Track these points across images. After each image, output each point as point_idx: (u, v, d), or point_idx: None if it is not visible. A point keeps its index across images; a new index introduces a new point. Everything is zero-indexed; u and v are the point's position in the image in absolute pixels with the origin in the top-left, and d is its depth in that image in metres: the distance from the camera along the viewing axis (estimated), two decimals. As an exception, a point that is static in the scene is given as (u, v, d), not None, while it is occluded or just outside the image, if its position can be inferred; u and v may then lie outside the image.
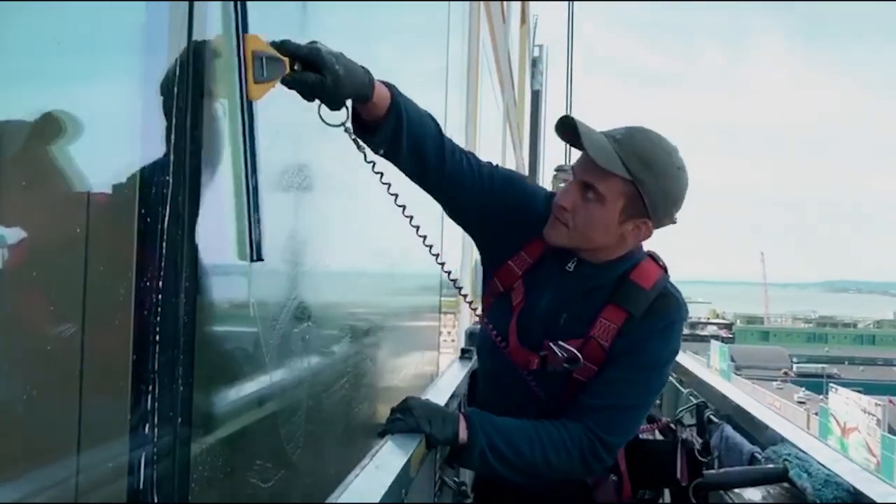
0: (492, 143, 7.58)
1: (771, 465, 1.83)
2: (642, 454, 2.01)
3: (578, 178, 1.78)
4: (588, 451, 1.76)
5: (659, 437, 2.19)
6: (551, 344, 1.82)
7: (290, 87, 1.37)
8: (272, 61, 1.23)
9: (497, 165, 1.94)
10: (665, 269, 1.91)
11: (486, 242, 2.01)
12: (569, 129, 1.78)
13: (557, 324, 1.85)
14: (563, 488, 1.95)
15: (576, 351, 1.80)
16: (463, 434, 1.74)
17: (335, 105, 1.49)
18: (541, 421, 1.80)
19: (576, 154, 1.87)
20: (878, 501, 1.49)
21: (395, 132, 1.66)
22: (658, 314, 1.82)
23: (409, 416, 1.74)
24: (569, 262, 1.85)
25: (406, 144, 1.69)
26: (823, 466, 1.68)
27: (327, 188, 2.03)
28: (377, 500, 1.32)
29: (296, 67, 1.35)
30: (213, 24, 1.15)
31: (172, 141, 0.93)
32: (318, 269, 1.87)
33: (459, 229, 2.13)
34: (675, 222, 1.86)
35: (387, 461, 1.56)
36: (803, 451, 1.81)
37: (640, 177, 1.73)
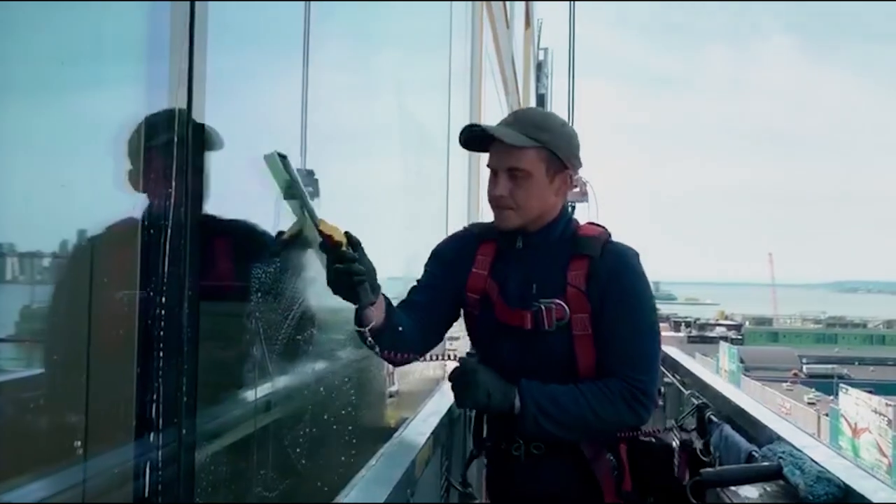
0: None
1: (766, 463, 1.87)
2: (641, 453, 2.12)
3: (502, 168, 2.04)
4: (630, 397, 1.95)
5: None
6: (536, 302, 2.00)
7: (345, 265, 1.68)
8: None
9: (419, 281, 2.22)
10: (606, 229, 2.15)
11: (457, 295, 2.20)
12: (471, 136, 2.06)
13: (531, 293, 2.03)
14: (571, 488, 2.07)
15: (561, 304, 1.99)
16: (517, 403, 1.94)
17: (368, 294, 1.76)
18: (583, 382, 1.99)
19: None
20: (868, 497, 1.53)
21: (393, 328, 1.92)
22: (614, 253, 2.05)
23: (475, 388, 1.94)
24: (517, 241, 2.09)
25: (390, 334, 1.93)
26: (816, 463, 1.72)
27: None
28: (383, 500, 1.36)
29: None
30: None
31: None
32: (322, 274, 1.91)
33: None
34: (581, 164, 2.13)
35: (392, 462, 1.61)
36: (798, 449, 1.85)
37: (544, 138, 2.01)
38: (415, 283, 2.22)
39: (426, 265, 2.26)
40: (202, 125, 1.13)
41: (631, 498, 2.11)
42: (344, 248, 1.67)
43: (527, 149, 2.00)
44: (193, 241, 0.99)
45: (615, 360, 1.99)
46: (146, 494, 0.87)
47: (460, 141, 2.10)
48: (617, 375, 1.97)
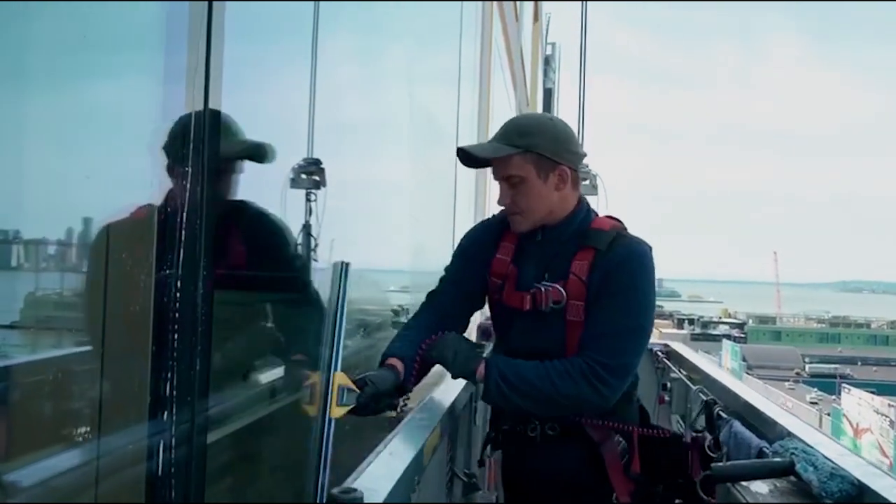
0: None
1: (778, 459, 1.85)
2: (653, 443, 2.22)
3: (499, 178, 2.22)
4: (591, 374, 2.04)
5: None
6: (537, 284, 2.16)
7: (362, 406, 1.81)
8: (351, 392, 1.71)
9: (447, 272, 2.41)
10: (621, 223, 2.27)
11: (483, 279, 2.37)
12: (468, 157, 2.24)
13: (542, 280, 2.17)
14: (582, 469, 2.21)
15: (559, 287, 2.13)
16: (480, 370, 2.10)
17: (395, 404, 1.98)
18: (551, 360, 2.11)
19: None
20: (883, 495, 1.52)
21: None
22: (621, 244, 2.15)
23: (444, 347, 2.14)
24: (537, 234, 2.23)
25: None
26: (829, 460, 1.70)
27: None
28: (391, 486, 1.36)
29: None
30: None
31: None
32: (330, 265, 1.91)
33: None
34: (584, 154, 2.30)
35: (400, 449, 1.60)
36: (810, 446, 1.83)
37: (525, 142, 2.15)
38: (443, 274, 2.42)
39: (453, 257, 2.44)
40: (218, 112, 1.12)
41: (639, 480, 2.20)
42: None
43: (512, 156, 2.15)
44: (208, 223, 0.99)
45: (585, 341, 2.10)
46: (159, 473, 0.87)
47: (462, 163, 2.29)
48: (582, 355, 2.08)
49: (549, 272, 2.18)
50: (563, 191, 2.19)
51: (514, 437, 2.29)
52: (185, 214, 0.92)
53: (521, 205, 2.19)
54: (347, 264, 1.89)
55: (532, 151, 2.14)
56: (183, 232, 0.92)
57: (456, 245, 2.49)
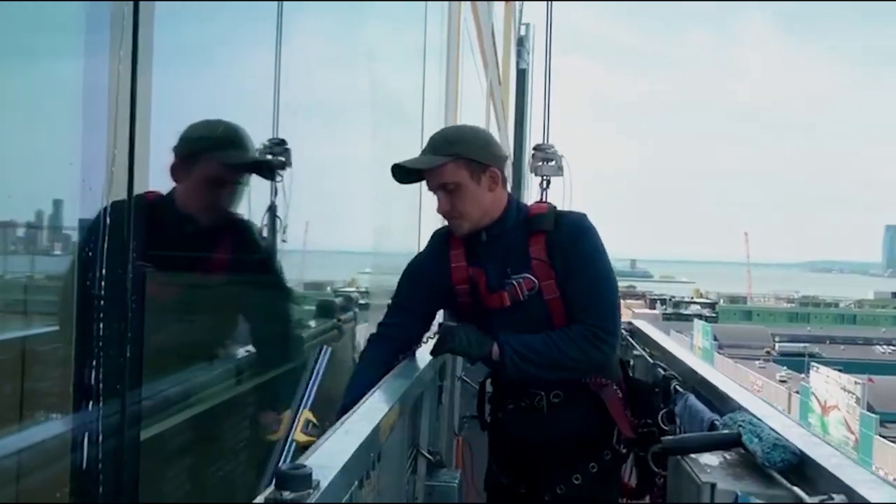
0: (474, 119, 7.59)
1: (726, 431, 1.90)
2: (634, 390, 2.57)
3: (435, 187, 2.36)
4: (593, 337, 2.31)
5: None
6: (506, 280, 2.35)
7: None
8: (314, 426, 2.06)
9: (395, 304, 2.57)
10: (552, 205, 2.51)
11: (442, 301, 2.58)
12: (402, 173, 2.36)
13: (508, 275, 2.36)
14: (592, 423, 2.47)
15: (529, 276, 2.33)
16: (495, 350, 2.33)
17: None
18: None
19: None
20: (821, 463, 1.56)
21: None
22: (568, 223, 2.38)
23: (454, 338, 2.36)
24: (481, 235, 2.40)
25: None
26: (774, 431, 1.75)
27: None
28: (342, 463, 1.36)
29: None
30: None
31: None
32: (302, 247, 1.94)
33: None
34: (507, 156, 2.50)
35: (356, 427, 1.61)
36: (757, 418, 1.88)
37: (453, 150, 2.31)
38: (390, 303, 2.57)
39: (401, 284, 2.58)
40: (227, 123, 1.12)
41: (635, 426, 2.49)
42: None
43: (445, 164, 2.31)
44: (137, 211, 0.98)
45: (578, 310, 2.34)
46: (83, 467, 0.84)
47: (398, 180, 2.39)
48: (579, 321, 2.32)
49: (511, 266, 2.36)
50: (496, 191, 2.37)
51: (523, 412, 2.51)
52: (109, 199, 0.90)
53: (459, 209, 2.35)
54: (329, 349, 2.44)
55: (463, 157, 2.31)
56: (108, 219, 0.90)
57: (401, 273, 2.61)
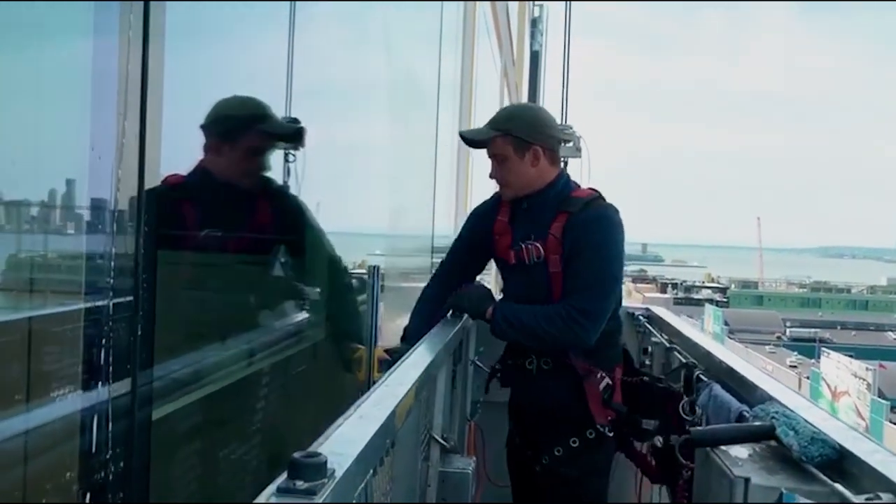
0: (489, 100, 7.50)
1: (758, 423, 1.83)
2: (640, 386, 2.73)
3: (489, 156, 2.76)
4: (567, 317, 2.56)
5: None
6: (521, 243, 2.67)
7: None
8: (384, 362, 2.51)
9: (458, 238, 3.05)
10: (600, 194, 2.71)
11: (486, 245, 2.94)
12: (469, 140, 2.85)
13: (529, 240, 2.67)
14: (570, 397, 2.67)
15: (538, 244, 2.63)
16: (489, 312, 2.68)
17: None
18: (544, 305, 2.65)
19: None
20: (864, 458, 1.49)
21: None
22: (590, 208, 2.62)
23: (460, 297, 2.77)
24: (523, 203, 2.74)
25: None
26: (810, 424, 1.68)
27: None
28: (359, 450, 1.30)
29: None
30: None
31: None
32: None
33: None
34: (561, 140, 2.90)
35: (371, 412, 1.55)
36: (791, 410, 1.81)
37: (504, 126, 2.67)
38: (455, 239, 3.05)
39: (460, 231, 3.03)
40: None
41: (620, 410, 2.67)
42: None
43: (494, 138, 2.67)
44: (145, 187, 0.92)
45: (568, 290, 2.60)
46: (92, 450, 0.80)
47: (467, 145, 2.90)
48: (563, 302, 2.58)
49: (534, 233, 2.64)
50: (538, 166, 2.66)
51: (516, 370, 2.82)
52: (116, 179, 0.85)
53: (504, 177, 2.71)
54: (377, 267, 2.71)
55: (511, 134, 2.63)
56: (117, 194, 0.84)
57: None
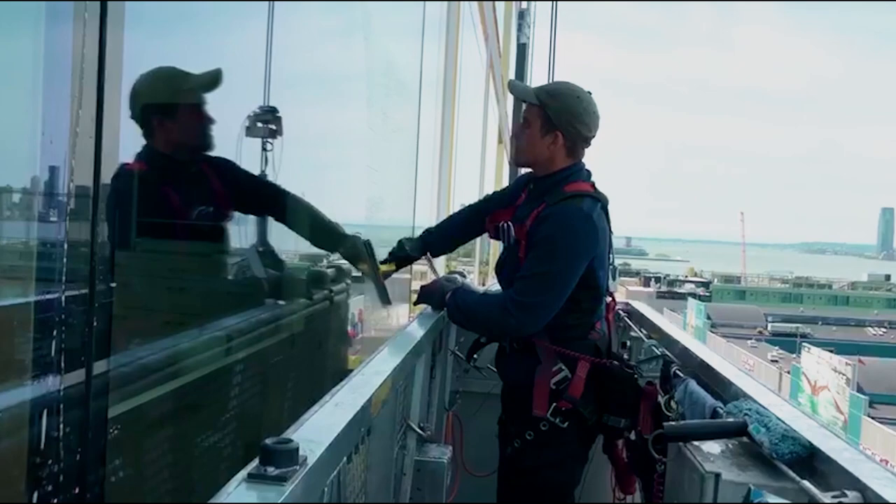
0: (473, 94, 7.47)
1: (731, 419, 1.83)
2: (606, 375, 2.60)
3: (523, 114, 2.75)
4: (502, 307, 2.57)
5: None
6: (508, 221, 2.68)
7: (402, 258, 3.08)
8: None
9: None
10: (596, 190, 2.69)
11: None
12: (514, 92, 2.94)
13: (522, 222, 2.64)
14: (530, 380, 2.62)
15: (514, 227, 2.65)
16: (447, 297, 2.75)
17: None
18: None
19: None
20: (832, 457, 1.50)
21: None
22: (562, 205, 2.57)
23: (423, 292, 2.95)
24: (531, 185, 2.78)
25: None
26: (782, 422, 1.68)
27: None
28: (331, 438, 1.29)
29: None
30: None
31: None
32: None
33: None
34: (586, 138, 2.68)
35: (346, 400, 1.54)
36: (764, 407, 1.81)
37: (544, 101, 2.64)
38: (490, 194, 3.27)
39: (513, 181, 3.18)
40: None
41: (575, 402, 2.56)
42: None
43: (531, 104, 2.68)
44: (98, 174, 0.89)
45: (514, 281, 2.59)
46: (41, 445, 0.78)
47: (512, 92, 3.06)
48: (508, 291, 2.62)
49: (525, 216, 2.66)
50: (553, 150, 2.64)
51: (500, 350, 2.86)
52: (73, 158, 0.83)
53: (521, 142, 2.73)
54: (368, 241, 2.88)
55: (545, 109, 2.63)
56: (72, 181, 0.82)
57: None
